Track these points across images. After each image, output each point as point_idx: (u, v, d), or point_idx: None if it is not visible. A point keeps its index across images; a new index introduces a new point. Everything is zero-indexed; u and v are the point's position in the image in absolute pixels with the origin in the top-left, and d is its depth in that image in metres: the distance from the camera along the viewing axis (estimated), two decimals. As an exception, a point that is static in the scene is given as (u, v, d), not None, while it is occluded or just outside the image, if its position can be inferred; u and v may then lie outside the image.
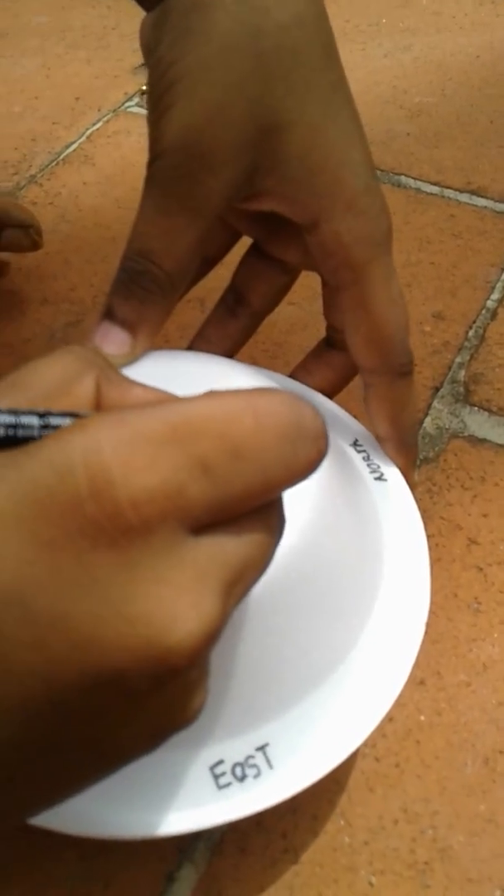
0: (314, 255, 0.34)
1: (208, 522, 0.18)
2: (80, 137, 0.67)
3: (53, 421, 0.19)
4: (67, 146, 0.66)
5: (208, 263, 0.39)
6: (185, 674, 0.18)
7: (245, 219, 0.37)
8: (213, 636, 0.18)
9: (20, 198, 0.61)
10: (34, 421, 0.18)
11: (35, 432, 0.18)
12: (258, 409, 0.19)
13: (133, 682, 0.17)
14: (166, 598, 0.17)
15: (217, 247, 0.39)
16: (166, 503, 0.17)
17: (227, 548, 0.19)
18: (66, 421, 0.19)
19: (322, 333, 0.51)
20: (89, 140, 0.67)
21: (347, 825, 0.35)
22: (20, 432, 0.18)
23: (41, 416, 0.19)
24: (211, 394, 0.19)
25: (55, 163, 0.64)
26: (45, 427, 0.19)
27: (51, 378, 0.20)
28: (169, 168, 0.31)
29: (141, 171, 0.63)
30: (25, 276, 0.56)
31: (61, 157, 0.65)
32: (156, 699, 0.18)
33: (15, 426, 0.18)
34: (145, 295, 0.32)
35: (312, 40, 0.30)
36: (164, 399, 0.21)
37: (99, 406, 0.21)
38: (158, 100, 0.30)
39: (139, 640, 0.17)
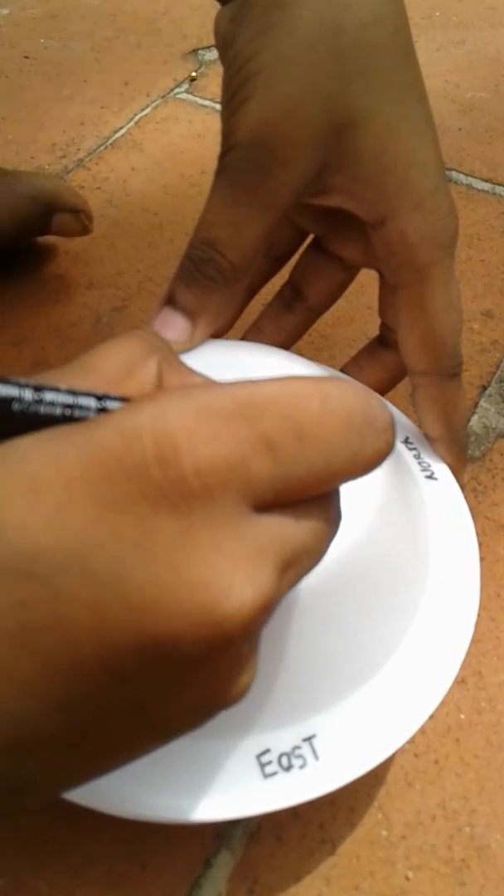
0: (377, 253, 0.34)
1: (271, 501, 0.19)
2: (128, 122, 0.67)
3: (110, 405, 0.19)
4: (116, 131, 0.66)
5: (277, 262, 0.40)
6: (237, 645, 0.18)
7: (309, 214, 0.37)
8: (266, 610, 0.18)
9: (67, 181, 0.61)
10: (91, 403, 0.19)
11: (92, 414, 0.19)
12: (326, 395, 0.19)
13: (186, 647, 0.18)
14: (224, 568, 0.18)
15: (285, 244, 0.39)
16: (229, 474, 0.18)
17: (287, 530, 0.19)
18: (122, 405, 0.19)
19: (369, 328, 0.52)
20: (138, 125, 0.67)
21: (385, 819, 0.35)
22: (77, 413, 0.18)
23: (99, 398, 0.19)
24: (280, 378, 0.19)
25: (103, 147, 0.65)
26: (102, 410, 0.19)
27: (115, 362, 0.20)
28: (241, 161, 0.31)
29: (189, 157, 0.64)
30: (72, 261, 0.56)
31: (109, 141, 0.65)
32: (206, 669, 0.18)
33: (73, 406, 0.18)
34: (208, 283, 0.32)
35: (391, 38, 0.30)
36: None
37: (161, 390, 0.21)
38: (235, 93, 0.30)
39: (195, 605, 0.17)
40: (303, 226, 0.38)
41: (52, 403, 0.18)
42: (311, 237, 0.39)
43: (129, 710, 0.19)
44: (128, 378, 0.20)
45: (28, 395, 0.18)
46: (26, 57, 0.73)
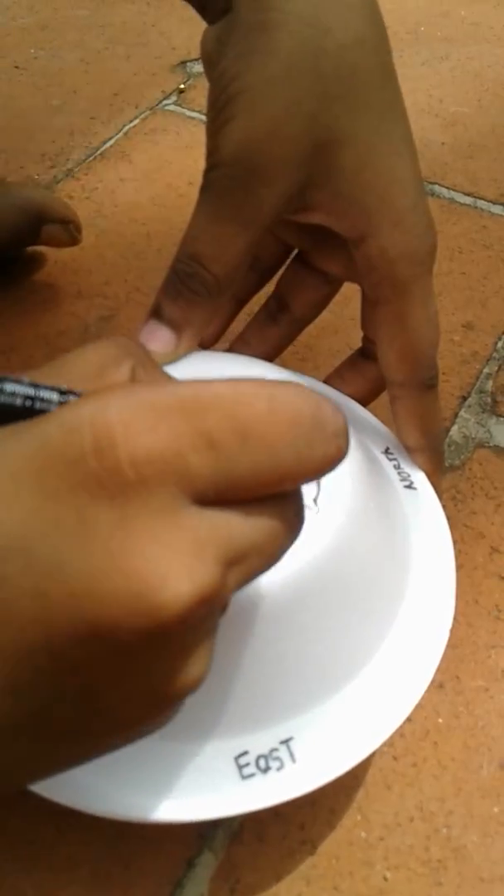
0: (358, 268, 0.35)
1: (214, 497, 0.19)
2: (117, 133, 0.68)
3: (73, 399, 0.20)
4: (105, 142, 0.67)
5: (264, 275, 0.40)
6: (177, 635, 0.19)
7: (293, 230, 0.38)
8: (205, 603, 0.18)
9: (56, 191, 0.62)
10: (53, 396, 0.19)
11: (52, 407, 0.19)
12: (273, 396, 0.19)
13: (124, 635, 0.18)
14: (160, 557, 0.18)
15: (271, 258, 0.40)
16: (165, 466, 0.18)
17: (232, 525, 0.19)
18: None
19: (353, 339, 0.52)
20: (126, 136, 0.67)
21: (364, 820, 0.36)
22: (38, 405, 0.19)
23: (62, 392, 0.20)
24: (229, 379, 0.19)
25: (92, 157, 0.65)
26: (64, 404, 0.20)
27: (89, 363, 0.21)
28: (225, 178, 0.31)
29: (177, 169, 0.65)
30: (61, 270, 0.57)
31: (98, 151, 0.66)
32: (147, 657, 0.19)
33: (33, 398, 0.19)
34: (192, 297, 0.33)
35: (371, 60, 0.31)
36: None
37: None
38: (219, 112, 0.31)
39: (130, 593, 0.18)
40: (287, 240, 0.39)
41: (11, 394, 0.19)
42: (295, 251, 0.40)
43: (79, 697, 0.19)
44: (99, 378, 0.21)
45: None
46: (16, 67, 0.74)
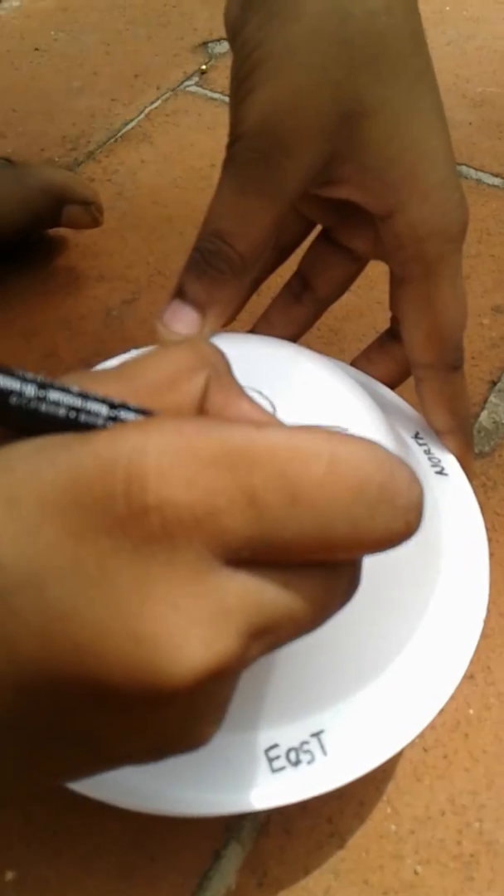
0: (385, 246, 0.34)
1: (249, 558, 0.17)
2: (138, 115, 0.67)
3: (125, 416, 0.18)
4: (126, 123, 0.66)
5: (283, 253, 0.39)
6: (184, 703, 0.17)
7: (317, 206, 0.37)
8: (219, 675, 0.17)
9: (77, 174, 0.61)
10: (102, 410, 0.18)
11: (100, 421, 0.18)
12: (336, 457, 0.17)
13: (127, 699, 0.17)
14: (176, 626, 0.17)
15: (291, 235, 0.39)
16: (194, 525, 0.16)
17: (266, 593, 0.17)
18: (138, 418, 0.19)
19: (379, 322, 0.52)
20: (148, 118, 0.66)
21: (394, 813, 0.35)
22: (83, 417, 0.18)
23: (113, 406, 0.18)
24: (290, 428, 0.18)
25: (113, 140, 0.64)
26: (114, 419, 0.18)
27: (159, 371, 0.19)
28: (248, 151, 0.30)
29: (199, 150, 0.64)
30: (82, 253, 0.56)
31: (119, 134, 0.65)
32: (154, 720, 0.18)
33: (79, 410, 0.18)
34: (217, 275, 0.32)
35: (400, 27, 0.30)
36: (261, 421, 0.20)
37: (201, 409, 0.20)
38: (242, 82, 0.30)
39: (137, 659, 0.16)
40: (311, 217, 0.38)
41: (55, 403, 0.17)
42: (319, 228, 0.39)
43: (78, 740, 0.18)
44: (169, 390, 0.19)
45: (30, 390, 0.17)
46: (37, 49, 0.73)
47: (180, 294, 0.33)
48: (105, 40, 0.74)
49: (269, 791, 0.29)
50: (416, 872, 0.34)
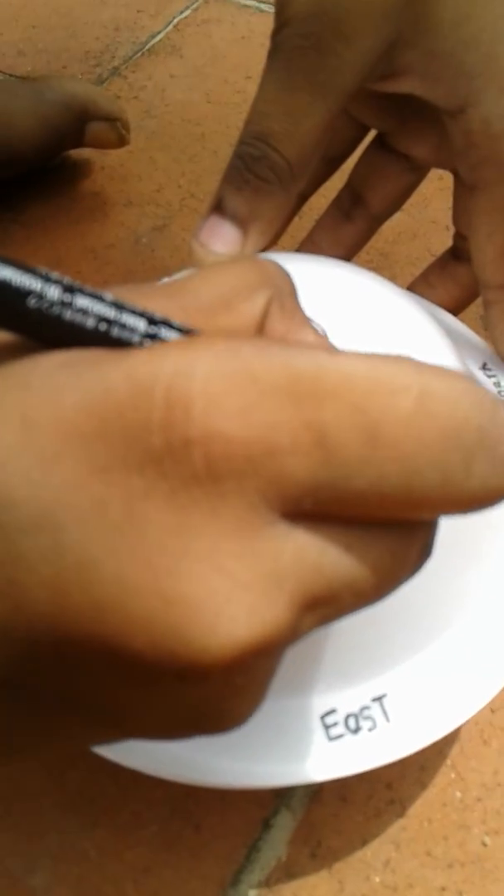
0: (455, 147, 0.30)
1: (311, 511, 0.14)
2: (166, 26, 0.62)
3: (165, 334, 0.15)
4: (153, 36, 0.61)
5: (331, 164, 0.35)
6: (221, 681, 0.15)
7: (373, 105, 0.32)
8: (264, 651, 0.14)
9: (104, 91, 0.57)
10: (140, 324, 0.15)
11: (135, 338, 0.15)
12: (428, 391, 0.14)
13: (152, 671, 0.14)
14: (219, 589, 0.14)
15: (342, 143, 0.35)
16: (247, 466, 0.14)
17: (329, 554, 0.14)
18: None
19: (434, 244, 0.48)
20: (176, 29, 0.62)
21: (459, 779, 0.32)
22: (115, 331, 0.15)
23: (153, 322, 0.15)
24: (370, 355, 0.14)
25: (140, 53, 0.60)
26: (152, 337, 0.15)
27: (215, 288, 0.16)
28: (296, 37, 0.27)
29: (233, 62, 0.59)
30: (108, 177, 0.53)
31: (146, 47, 0.60)
32: (184, 697, 0.15)
33: (111, 321, 0.15)
34: (260, 185, 0.28)
35: None
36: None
37: (259, 335, 0.17)
38: None
39: (167, 627, 0.14)
40: (364, 120, 0.34)
41: (83, 311, 0.14)
42: (372, 134, 0.35)
43: (93, 710, 0.16)
44: (224, 310, 0.16)
45: (53, 292, 0.14)
46: (56, -41, 0.68)
47: (219, 208, 0.29)
48: None
49: (325, 761, 0.26)
50: (483, 844, 0.31)
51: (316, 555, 0.14)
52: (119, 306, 0.15)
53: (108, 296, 0.15)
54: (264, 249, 0.30)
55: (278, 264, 0.18)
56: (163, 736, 0.17)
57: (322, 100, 0.27)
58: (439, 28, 0.27)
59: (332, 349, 0.15)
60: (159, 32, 0.62)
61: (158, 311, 0.15)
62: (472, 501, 0.14)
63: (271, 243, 0.33)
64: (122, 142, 0.49)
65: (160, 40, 0.61)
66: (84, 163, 0.53)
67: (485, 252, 0.31)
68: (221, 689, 0.15)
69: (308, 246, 0.37)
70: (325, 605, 0.15)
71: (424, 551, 0.16)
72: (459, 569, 0.28)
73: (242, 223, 0.29)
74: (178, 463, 0.14)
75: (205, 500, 0.14)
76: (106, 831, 0.31)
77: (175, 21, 0.62)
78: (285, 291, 0.17)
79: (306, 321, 0.18)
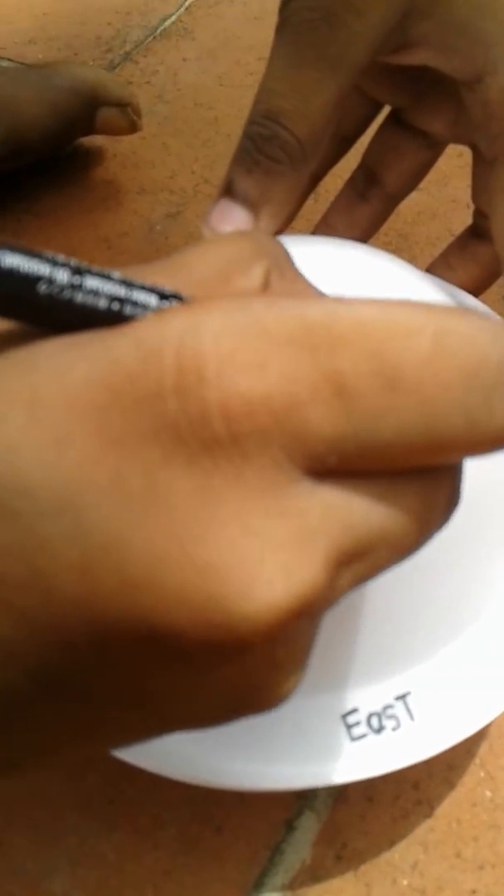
0: (473, 119, 0.28)
1: (337, 465, 0.14)
2: (178, 9, 0.61)
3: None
4: (165, 19, 0.60)
5: (344, 143, 0.34)
6: (262, 651, 0.14)
7: (386, 80, 0.31)
8: (304, 612, 0.14)
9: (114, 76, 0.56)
10: (151, 300, 0.15)
11: (149, 314, 0.15)
12: (444, 330, 0.14)
13: (190, 647, 0.14)
14: (249, 551, 0.13)
15: (354, 120, 0.34)
16: (269, 421, 0.13)
17: (357, 508, 0.14)
18: None
19: (454, 224, 0.46)
20: (188, 11, 0.61)
21: (489, 777, 0.31)
22: (128, 309, 0.14)
23: (164, 297, 0.15)
24: (379, 300, 0.14)
25: (151, 37, 0.59)
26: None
27: (212, 262, 0.16)
28: (305, 10, 0.26)
29: (246, 43, 0.58)
30: (121, 164, 0.52)
31: (158, 30, 0.60)
32: (224, 673, 0.15)
33: (123, 300, 0.14)
34: (271, 166, 0.27)
35: None
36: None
37: None
38: None
39: (203, 596, 0.13)
40: (377, 96, 0.33)
41: (94, 292, 0.14)
42: (386, 111, 0.33)
43: (132, 699, 0.15)
44: (223, 283, 0.16)
45: (62, 276, 0.14)
46: None
47: (229, 191, 0.28)
48: None
49: (348, 762, 0.25)
50: (516, 844, 0.30)
51: (346, 509, 0.14)
52: (128, 284, 0.14)
53: (116, 274, 0.15)
54: (278, 232, 0.29)
55: (272, 237, 0.17)
56: (203, 722, 0.16)
57: (333, 75, 0.26)
58: None
59: (342, 300, 0.14)
60: (171, 15, 0.61)
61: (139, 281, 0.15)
62: (497, 441, 0.14)
63: (284, 226, 0.32)
64: (133, 128, 0.48)
65: (172, 23, 0.60)
66: (96, 151, 0.52)
67: (504, 228, 0.30)
68: (262, 661, 0.15)
69: (323, 228, 0.36)
70: (360, 560, 0.14)
71: (453, 496, 0.16)
72: (483, 561, 0.27)
73: (253, 206, 0.28)
74: (196, 426, 0.13)
75: (227, 463, 0.13)
76: (125, 834, 0.31)
77: (187, 3, 0.61)
78: (282, 260, 0.17)
79: (309, 285, 0.17)
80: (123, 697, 0.15)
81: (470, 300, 0.34)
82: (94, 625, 0.13)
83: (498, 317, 0.33)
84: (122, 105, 0.47)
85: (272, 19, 0.26)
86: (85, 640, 0.14)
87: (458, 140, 0.32)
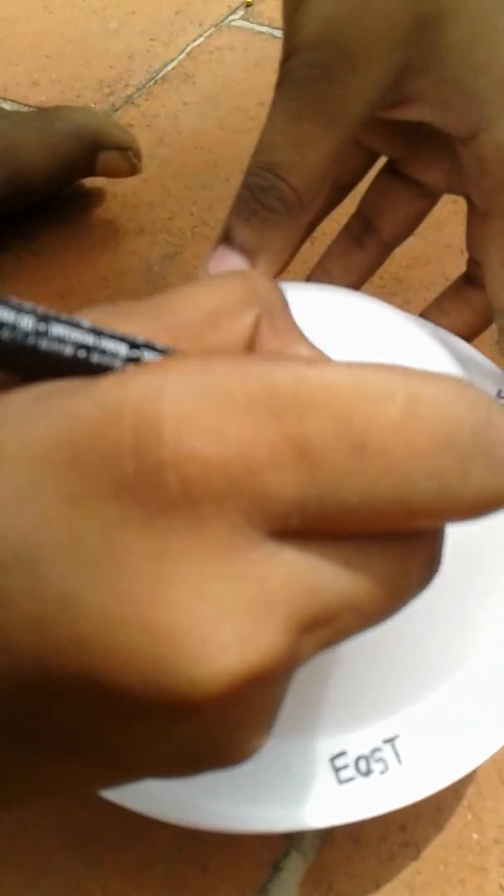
0: (468, 173, 0.29)
1: (300, 528, 0.13)
2: (179, 54, 0.62)
3: (149, 356, 0.15)
4: (166, 64, 0.62)
5: (341, 191, 0.35)
6: (219, 714, 0.14)
7: (383, 133, 0.32)
8: (261, 679, 0.13)
9: (115, 120, 0.57)
10: (121, 349, 0.15)
11: (117, 363, 0.15)
12: (415, 395, 0.13)
13: (141, 706, 0.13)
14: (204, 616, 0.13)
15: (352, 170, 0.35)
16: (226, 486, 0.13)
17: (322, 572, 0.14)
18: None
19: (449, 269, 0.47)
20: (189, 57, 0.62)
21: (476, 820, 0.31)
22: (96, 358, 0.14)
23: (134, 346, 0.15)
24: (351, 363, 0.14)
25: (153, 82, 0.60)
26: (135, 361, 0.15)
27: (201, 306, 0.16)
28: (305, 66, 0.26)
29: (245, 88, 0.59)
30: (121, 205, 0.53)
31: (160, 75, 0.61)
32: (180, 731, 0.14)
33: (90, 348, 0.14)
34: (269, 215, 0.28)
35: None
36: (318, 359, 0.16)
37: (249, 353, 0.16)
38: None
39: (153, 659, 0.13)
40: (374, 147, 0.33)
41: (59, 339, 0.14)
42: (383, 160, 0.34)
43: (91, 750, 0.15)
44: (211, 329, 0.16)
45: (27, 323, 0.14)
46: (71, -10, 0.69)
47: (227, 239, 0.29)
48: (143, -23, 0.70)
49: (335, 805, 0.25)
50: (501, 887, 0.30)
51: (309, 574, 0.14)
52: (97, 332, 0.15)
53: (86, 322, 0.15)
54: (273, 277, 0.30)
55: (268, 279, 0.17)
56: (167, 774, 0.16)
57: (330, 130, 0.27)
58: (449, 54, 0.26)
59: (318, 361, 0.14)
60: (173, 60, 0.62)
61: (142, 332, 0.15)
62: (474, 508, 0.14)
63: (280, 271, 0.32)
64: (133, 170, 0.49)
65: (173, 68, 0.61)
66: (97, 191, 0.53)
67: (499, 278, 0.31)
68: (220, 721, 0.14)
69: (319, 273, 0.36)
70: (325, 627, 0.14)
71: (431, 562, 0.15)
72: (472, 606, 0.27)
73: (250, 253, 0.29)
74: (152, 488, 0.13)
75: (183, 525, 0.13)
76: (112, 872, 0.30)
77: (188, 48, 0.63)
78: (276, 307, 0.17)
79: (301, 337, 0.17)
80: (84, 748, 0.15)
81: (463, 346, 0.35)
82: (47, 677, 0.13)
83: (490, 362, 0.34)
84: (123, 149, 0.48)
85: (272, 65, 0.27)
86: (40, 692, 0.14)
87: (452, 191, 0.33)
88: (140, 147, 0.50)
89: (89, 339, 0.14)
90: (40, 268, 0.49)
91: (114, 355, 0.14)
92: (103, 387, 0.13)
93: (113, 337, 0.15)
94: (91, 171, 0.49)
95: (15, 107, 0.59)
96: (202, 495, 0.13)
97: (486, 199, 0.29)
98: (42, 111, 0.48)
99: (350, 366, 0.14)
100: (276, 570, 0.13)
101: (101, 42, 0.64)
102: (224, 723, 0.14)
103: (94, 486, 0.13)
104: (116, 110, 0.58)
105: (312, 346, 0.17)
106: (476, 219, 0.32)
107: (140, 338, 0.15)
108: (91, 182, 0.52)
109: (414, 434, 0.13)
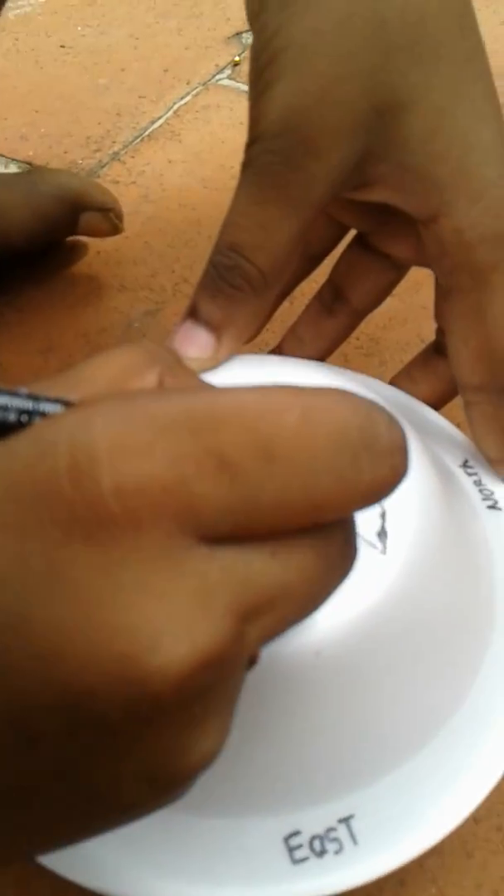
0: (429, 254, 0.30)
1: (229, 533, 0.15)
2: (166, 112, 0.63)
3: None
4: (153, 121, 0.62)
5: (313, 261, 0.36)
6: (176, 707, 0.15)
7: (351, 209, 0.33)
8: (212, 665, 0.15)
9: (101, 176, 0.58)
10: (57, 409, 0.16)
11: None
12: (309, 406, 0.15)
13: (104, 707, 0.15)
14: (153, 612, 0.15)
15: (322, 241, 0.35)
16: (161, 497, 0.15)
17: (253, 566, 0.16)
18: None
19: (424, 330, 0.47)
20: (176, 115, 0.63)
21: (440, 894, 0.31)
22: (37, 420, 0.16)
23: (69, 405, 0.17)
24: (255, 387, 0.16)
25: (140, 139, 0.61)
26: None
27: (107, 373, 0.18)
28: (268, 153, 0.27)
29: (231, 147, 0.60)
30: (103, 261, 0.53)
31: (146, 132, 0.62)
32: (141, 733, 0.15)
33: (31, 412, 0.16)
34: (234, 293, 0.29)
35: (444, 6, 0.26)
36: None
37: None
38: (261, 73, 0.26)
39: (112, 656, 0.14)
40: (344, 221, 0.34)
41: (3, 408, 0.16)
42: (353, 231, 0.35)
43: (55, 778, 0.16)
44: (121, 389, 0.18)
45: None
46: (62, 46, 0.70)
47: (193, 314, 0.30)
48: (133, 34, 0.71)
49: (289, 886, 0.25)
50: None
51: (242, 567, 0.15)
52: (35, 397, 0.16)
53: (23, 390, 0.16)
54: (242, 347, 0.31)
55: (160, 346, 0.19)
56: (142, 795, 0.17)
57: (293, 213, 0.27)
58: (409, 142, 0.27)
59: (224, 388, 0.16)
60: (159, 118, 0.63)
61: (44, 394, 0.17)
62: (367, 496, 0.16)
63: (248, 342, 0.33)
64: (114, 231, 0.49)
65: (160, 126, 0.62)
66: (79, 247, 0.53)
67: (461, 354, 0.31)
68: (179, 717, 0.15)
69: (291, 339, 0.37)
70: (264, 613, 0.16)
71: (348, 548, 0.17)
72: (430, 687, 0.27)
73: (216, 329, 0.29)
74: (91, 506, 0.14)
75: (123, 535, 0.15)
76: None
77: (176, 107, 0.64)
78: (174, 364, 0.19)
79: (202, 381, 0.19)
80: (46, 775, 0.16)
81: (430, 414, 0.35)
82: (8, 703, 0.14)
83: (456, 430, 0.34)
84: (105, 210, 0.48)
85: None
86: (3, 721, 0.15)
87: (420, 264, 0.33)
88: (123, 205, 0.51)
89: (29, 405, 0.16)
90: (21, 322, 0.50)
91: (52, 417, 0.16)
92: (37, 427, 0.15)
93: (48, 400, 0.16)
94: (73, 231, 0.50)
95: (3, 161, 0.59)
96: (139, 507, 0.14)
97: (448, 279, 0.30)
98: (26, 173, 0.48)
99: (257, 387, 0.16)
100: (212, 566, 0.15)
101: (91, 98, 0.65)
102: (183, 719, 0.16)
103: (35, 512, 0.14)
104: (103, 167, 0.59)
105: (216, 388, 0.19)
106: (441, 293, 0.32)
107: (73, 397, 0.17)
108: (74, 239, 0.53)
109: (311, 437, 0.15)
